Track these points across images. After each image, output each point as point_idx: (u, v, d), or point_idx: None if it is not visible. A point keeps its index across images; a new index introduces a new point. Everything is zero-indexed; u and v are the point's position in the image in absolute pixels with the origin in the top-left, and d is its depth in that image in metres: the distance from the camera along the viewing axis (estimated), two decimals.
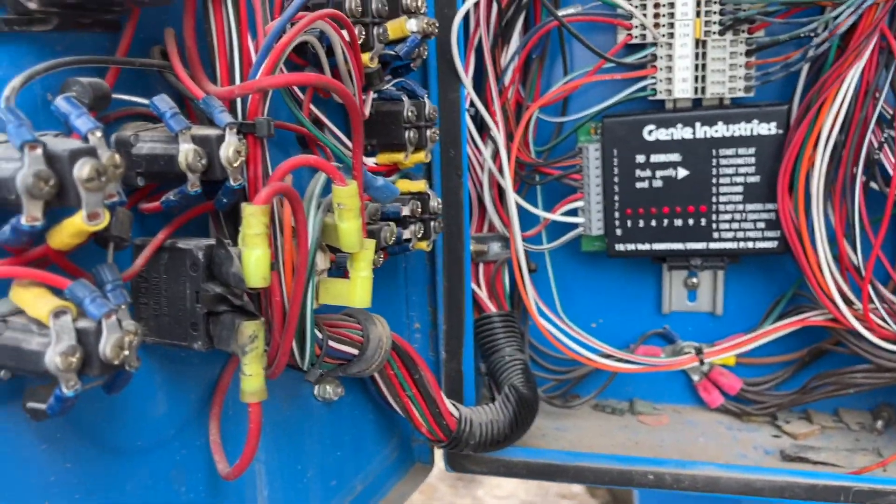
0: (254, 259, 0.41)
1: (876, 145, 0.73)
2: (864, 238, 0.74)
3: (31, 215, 0.33)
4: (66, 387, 0.34)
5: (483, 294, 0.85)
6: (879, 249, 0.73)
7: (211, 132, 0.41)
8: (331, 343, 0.55)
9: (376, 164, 0.67)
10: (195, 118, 0.46)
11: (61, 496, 0.41)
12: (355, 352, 0.61)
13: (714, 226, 0.81)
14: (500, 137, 0.79)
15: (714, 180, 0.80)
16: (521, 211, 0.88)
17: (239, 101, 0.44)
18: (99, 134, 0.35)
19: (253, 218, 0.41)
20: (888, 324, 0.75)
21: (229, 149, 0.41)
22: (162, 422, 0.48)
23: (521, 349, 0.84)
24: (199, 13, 0.44)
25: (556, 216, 0.85)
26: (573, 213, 0.86)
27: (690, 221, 0.81)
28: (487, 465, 0.79)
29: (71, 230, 0.34)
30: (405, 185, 0.67)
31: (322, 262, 0.52)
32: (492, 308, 0.85)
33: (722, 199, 0.80)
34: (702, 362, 0.83)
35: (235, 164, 0.41)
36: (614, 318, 0.94)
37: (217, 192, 0.43)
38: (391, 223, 0.60)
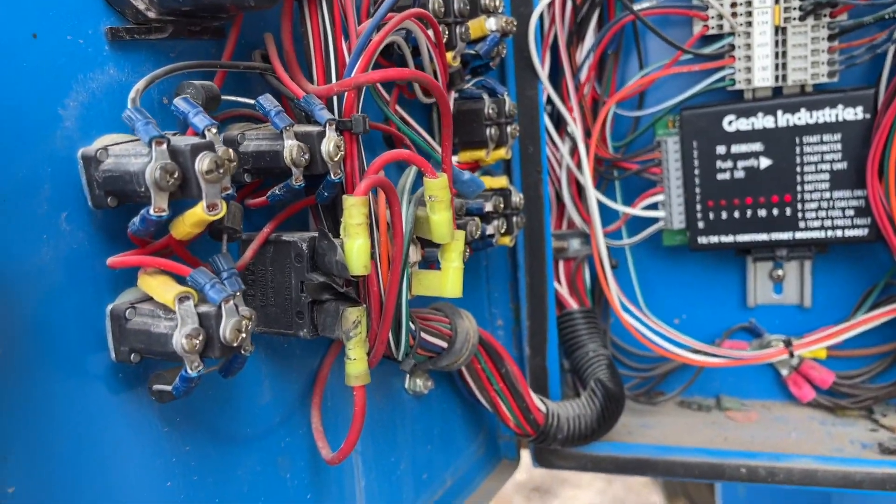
0: (356, 248, 0.43)
1: None
2: None
3: (158, 206, 0.35)
4: (190, 368, 0.37)
5: (564, 291, 0.85)
6: None
7: (313, 129, 0.43)
8: (423, 334, 0.57)
9: (458, 161, 0.68)
10: (294, 118, 0.48)
11: (181, 476, 0.43)
12: (445, 344, 0.62)
13: (800, 215, 0.80)
14: (578, 133, 0.80)
15: (798, 168, 0.79)
16: (601, 207, 0.88)
17: (336, 100, 0.46)
18: (215, 130, 0.37)
19: (354, 209, 0.42)
20: None
21: (329, 144, 0.43)
22: (269, 410, 0.50)
23: (604, 345, 0.84)
24: (295, 18, 0.47)
25: (637, 211, 0.85)
26: (653, 207, 0.85)
27: (775, 211, 0.80)
28: (575, 461, 0.79)
29: (193, 220, 0.37)
30: (487, 182, 0.68)
31: (414, 254, 0.53)
32: (573, 305, 0.85)
33: (807, 187, 0.79)
34: (791, 355, 0.82)
35: (336, 159, 0.43)
36: (698, 314, 0.93)
37: (318, 186, 0.45)
38: (476, 218, 0.62)
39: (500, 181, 0.68)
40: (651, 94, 0.86)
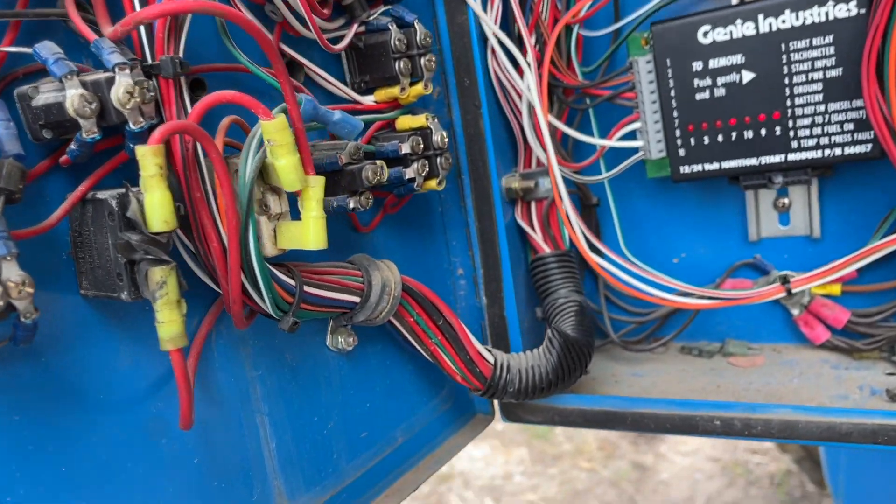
0: (153, 203, 0.40)
1: None
2: None
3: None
4: None
5: (536, 234, 0.79)
6: None
7: (101, 75, 0.40)
8: (308, 290, 0.53)
9: (375, 101, 0.63)
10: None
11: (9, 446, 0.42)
12: (353, 299, 0.58)
13: (792, 133, 0.70)
14: (529, 57, 0.72)
15: (786, 80, 0.69)
16: (580, 145, 0.81)
17: (147, 43, 0.43)
18: None
19: (145, 159, 0.39)
20: None
21: (119, 90, 0.39)
22: (129, 375, 0.48)
23: (579, 290, 0.77)
24: None
25: (613, 142, 0.77)
26: (632, 137, 0.77)
27: (763, 131, 0.70)
28: (542, 414, 0.74)
29: None
30: (405, 122, 0.63)
31: (276, 204, 0.49)
32: (546, 249, 0.79)
33: (798, 101, 0.69)
34: (789, 293, 0.72)
35: (128, 106, 0.40)
36: (699, 252, 0.85)
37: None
38: (377, 162, 0.57)
39: (419, 120, 0.63)
40: (628, 10, 0.77)
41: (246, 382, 0.56)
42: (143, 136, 0.41)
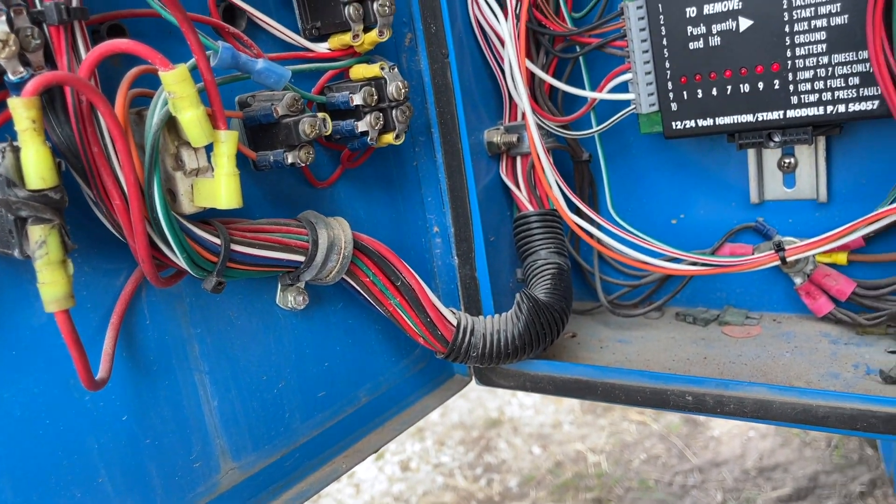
0: (26, 158, 0.38)
1: None
2: None
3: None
4: None
5: (521, 192, 0.75)
6: None
7: None
8: (238, 248, 0.51)
9: (330, 49, 0.60)
10: None
11: None
12: (295, 258, 0.56)
13: (791, 87, 0.63)
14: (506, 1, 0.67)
15: (787, 28, 0.62)
16: (569, 97, 0.76)
17: None
18: None
19: (16, 112, 0.37)
20: None
21: None
22: (45, 330, 0.48)
23: (560, 251, 0.74)
24: None
25: (602, 94, 0.72)
26: (625, 88, 0.72)
27: (761, 85, 0.64)
28: (514, 380, 0.71)
29: None
30: (359, 72, 0.60)
31: (191, 160, 0.47)
32: (529, 207, 0.75)
33: (799, 51, 0.62)
34: (783, 261, 0.67)
35: (3, 55, 0.38)
36: (699, 213, 0.79)
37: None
38: (318, 115, 0.54)
39: (372, 69, 0.59)
40: None
41: (182, 340, 0.55)
42: (20, 88, 0.40)
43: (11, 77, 0.39)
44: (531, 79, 0.74)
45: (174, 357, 0.55)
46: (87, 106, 0.41)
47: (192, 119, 0.43)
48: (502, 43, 0.71)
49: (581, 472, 1.65)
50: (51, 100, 0.42)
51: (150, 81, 0.45)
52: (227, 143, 0.45)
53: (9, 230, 0.41)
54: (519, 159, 0.75)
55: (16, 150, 0.39)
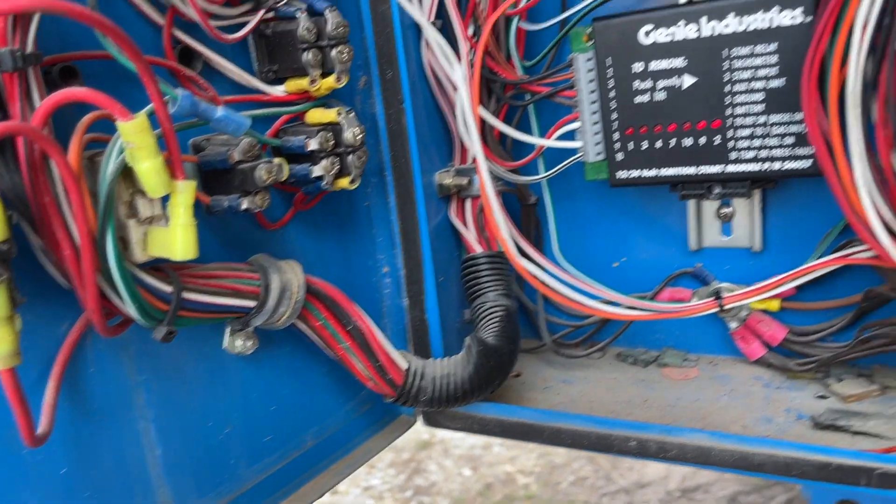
0: None
1: None
2: None
3: None
4: None
5: (469, 233, 0.76)
6: None
7: None
8: (189, 296, 0.50)
9: (286, 92, 0.60)
10: None
11: None
12: (247, 304, 0.56)
13: (731, 144, 0.66)
14: (461, 47, 0.68)
15: (728, 88, 0.65)
16: (519, 144, 0.77)
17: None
18: None
19: None
20: None
21: None
22: None
23: (508, 294, 0.75)
24: None
25: (550, 142, 0.73)
26: (572, 136, 0.73)
27: (702, 140, 0.67)
28: (461, 422, 0.71)
29: None
30: (315, 116, 0.60)
31: (146, 208, 0.46)
32: (478, 248, 0.76)
33: (738, 110, 0.65)
34: (721, 308, 0.69)
35: None
36: (640, 257, 0.82)
37: None
38: (273, 160, 0.54)
39: (329, 115, 0.59)
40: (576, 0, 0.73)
41: (128, 388, 0.54)
42: None
43: None
44: (482, 124, 0.75)
45: (118, 406, 0.53)
46: (40, 155, 0.40)
47: (149, 169, 0.42)
48: (455, 88, 0.73)
49: (511, 494, 1.67)
50: (0, 148, 0.40)
51: (105, 125, 0.44)
52: (185, 193, 0.44)
53: None
54: (468, 201, 0.76)
55: None
